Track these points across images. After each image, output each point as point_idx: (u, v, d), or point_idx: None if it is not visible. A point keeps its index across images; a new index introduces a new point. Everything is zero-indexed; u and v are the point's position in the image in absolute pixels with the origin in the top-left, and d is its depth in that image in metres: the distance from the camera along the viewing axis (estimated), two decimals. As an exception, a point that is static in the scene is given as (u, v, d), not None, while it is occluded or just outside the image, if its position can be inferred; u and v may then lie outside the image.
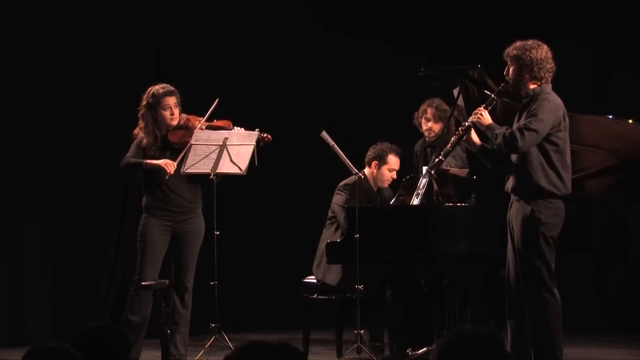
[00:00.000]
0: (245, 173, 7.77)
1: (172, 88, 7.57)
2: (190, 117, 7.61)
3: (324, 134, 7.61)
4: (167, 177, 7.38)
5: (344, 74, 10.34)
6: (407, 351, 7.53)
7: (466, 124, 6.75)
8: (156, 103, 7.50)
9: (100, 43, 9.37)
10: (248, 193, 9.49)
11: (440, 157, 6.93)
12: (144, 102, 7.53)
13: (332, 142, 7.62)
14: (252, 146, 7.69)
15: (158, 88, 7.55)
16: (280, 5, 10.34)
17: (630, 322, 9.63)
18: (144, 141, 7.51)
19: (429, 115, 8.20)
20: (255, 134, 7.71)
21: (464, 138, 6.79)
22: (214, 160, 7.64)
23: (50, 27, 9.15)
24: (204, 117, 7.59)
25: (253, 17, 10.19)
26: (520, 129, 6.44)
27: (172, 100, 7.52)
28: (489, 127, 6.62)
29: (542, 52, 6.54)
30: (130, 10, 9.58)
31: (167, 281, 7.37)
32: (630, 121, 7.02)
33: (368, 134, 8.84)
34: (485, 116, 6.66)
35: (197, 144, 7.56)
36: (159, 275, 7.51)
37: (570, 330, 6.77)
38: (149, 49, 9.77)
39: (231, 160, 7.69)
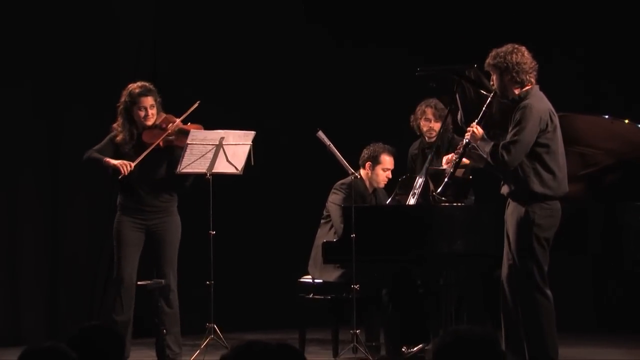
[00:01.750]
0: (241, 173, 7.76)
1: (149, 87, 7.53)
2: (168, 116, 7.54)
3: (320, 134, 7.61)
4: (120, 177, 7.36)
5: (340, 74, 10.34)
6: (402, 349, 7.54)
7: (463, 142, 6.73)
8: (132, 102, 7.47)
9: (96, 44, 9.35)
10: (244, 193, 9.49)
11: (446, 181, 6.89)
12: (122, 99, 7.51)
13: (328, 142, 7.62)
14: (249, 146, 7.69)
15: (135, 87, 7.51)
16: (277, 4, 10.34)
17: (626, 322, 9.64)
18: (119, 137, 7.50)
19: (429, 116, 8.17)
20: (251, 133, 7.71)
21: (464, 157, 6.78)
22: (210, 160, 7.64)
23: (45, 28, 9.14)
24: (181, 117, 7.52)
25: (249, 17, 10.18)
26: (505, 146, 6.44)
27: (147, 101, 7.47)
28: (478, 145, 6.62)
29: (518, 55, 6.54)
30: (126, 10, 9.57)
31: (163, 281, 7.36)
32: (627, 121, 7.02)
33: (364, 134, 8.84)
34: (478, 131, 6.64)
35: (193, 144, 7.55)
36: (140, 275, 7.48)
37: (565, 330, 6.77)
38: (145, 48, 9.76)
39: (227, 160, 7.69)
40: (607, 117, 7.12)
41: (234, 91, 9.96)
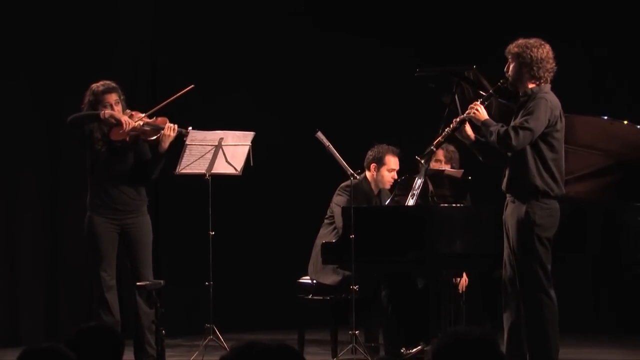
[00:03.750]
0: (240, 173, 7.77)
1: (113, 85, 7.42)
2: (134, 113, 7.43)
3: (319, 135, 7.61)
4: (121, 131, 7.24)
5: (339, 74, 10.34)
6: (401, 350, 7.53)
7: (460, 117, 6.75)
8: (97, 101, 7.36)
9: (96, 39, 9.34)
10: (243, 193, 9.49)
11: (432, 148, 6.90)
12: (86, 100, 7.40)
13: (327, 143, 7.62)
14: (248, 146, 7.69)
15: (98, 85, 7.40)
16: (276, 5, 10.34)
17: (624, 323, 9.64)
18: (95, 134, 7.37)
19: (440, 157, 7.99)
20: (250, 134, 7.71)
21: (456, 131, 6.77)
22: (209, 161, 7.64)
23: (44, 23, 9.14)
24: (150, 110, 7.41)
25: (248, 16, 10.18)
26: (515, 128, 6.44)
27: (112, 98, 7.37)
28: (484, 123, 6.62)
29: (544, 51, 6.54)
30: (125, 5, 9.58)
31: (162, 281, 7.34)
32: (626, 122, 7.02)
33: (363, 134, 8.85)
34: (481, 111, 6.65)
35: (192, 145, 7.54)
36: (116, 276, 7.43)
37: (564, 331, 6.77)
38: (144, 46, 9.76)
39: (226, 161, 7.69)
40: (606, 118, 7.13)
41: (233, 91, 9.96)
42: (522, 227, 6.49)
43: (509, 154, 6.56)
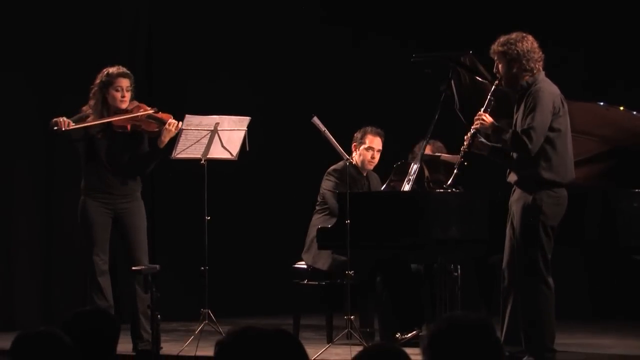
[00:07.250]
0: (236, 158, 7.76)
1: (127, 71, 7.40)
2: (141, 104, 7.42)
3: (315, 120, 7.59)
4: (55, 128, 7.17)
5: (335, 60, 10.33)
6: (397, 336, 7.54)
7: (470, 132, 6.70)
8: (109, 82, 7.32)
9: (91, 34, 9.32)
10: (239, 178, 9.49)
11: (455, 172, 6.86)
12: (97, 81, 7.36)
13: (323, 128, 7.60)
14: (244, 131, 7.68)
15: (113, 69, 7.37)
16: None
17: (620, 309, 9.65)
18: (90, 118, 7.35)
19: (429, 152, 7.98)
20: (246, 119, 7.70)
21: (472, 147, 6.74)
22: (205, 146, 7.63)
23: (40, 18, 9.13)
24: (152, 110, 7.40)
25: (245, 3, 10.17)
26: (525, 131, 6.39)
27: (124, 83, 7.34)
28: (494, 131, 6.58)
29: (528, 43, 6.51)
30: (123, 3, 9.58)
31: (157, 266, 7.33)
32: (622, 108, 7.02)
33: (359, 119, 8.82)
34: (487, 119, 6.62)
35: (188, 129, 7.53)
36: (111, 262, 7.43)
37: (560, 317, 6.77)
38: (141, 38, 9.74)
39: (222, 146, 7.68)
40: (602, 104, 7.12)
41: (229, 76, 9.95)
42: (527, 214, 6.46)
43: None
